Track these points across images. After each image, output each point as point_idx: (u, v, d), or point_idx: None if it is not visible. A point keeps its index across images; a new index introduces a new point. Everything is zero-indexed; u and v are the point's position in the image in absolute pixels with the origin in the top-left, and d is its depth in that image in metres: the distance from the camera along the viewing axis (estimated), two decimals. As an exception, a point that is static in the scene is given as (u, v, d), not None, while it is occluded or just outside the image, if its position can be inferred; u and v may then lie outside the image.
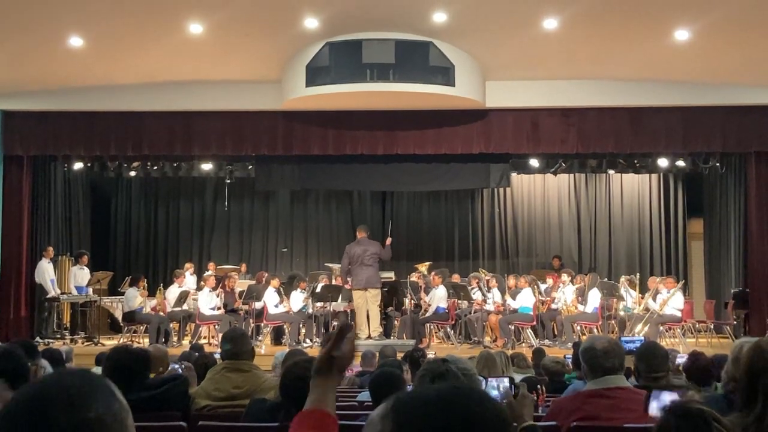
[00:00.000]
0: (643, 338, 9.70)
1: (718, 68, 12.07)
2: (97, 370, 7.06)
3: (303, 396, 3.54)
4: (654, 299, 12.58)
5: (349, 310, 13.11)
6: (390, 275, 13.37)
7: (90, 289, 14.04)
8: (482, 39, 11.57)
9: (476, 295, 13.13)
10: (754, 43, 11.02)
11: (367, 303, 12.24)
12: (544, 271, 14.92)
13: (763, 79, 12.33)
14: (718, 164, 14.54)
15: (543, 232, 17.32)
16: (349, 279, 12.64)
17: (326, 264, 15.39)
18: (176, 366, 6.25)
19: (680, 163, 14.84)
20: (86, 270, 14.18)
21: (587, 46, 11.56)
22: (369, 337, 12.04)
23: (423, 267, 14.55)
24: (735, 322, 13.46)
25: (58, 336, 13.41)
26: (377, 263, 12.35)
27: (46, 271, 13.36)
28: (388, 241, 12.66)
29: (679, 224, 16.93)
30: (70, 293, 13.79)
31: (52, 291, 13.37)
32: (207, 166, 15.45)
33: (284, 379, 3.65)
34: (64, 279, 14.22)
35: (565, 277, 13.32)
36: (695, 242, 16.69)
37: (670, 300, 12.36)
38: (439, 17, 10.93)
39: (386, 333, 12.75)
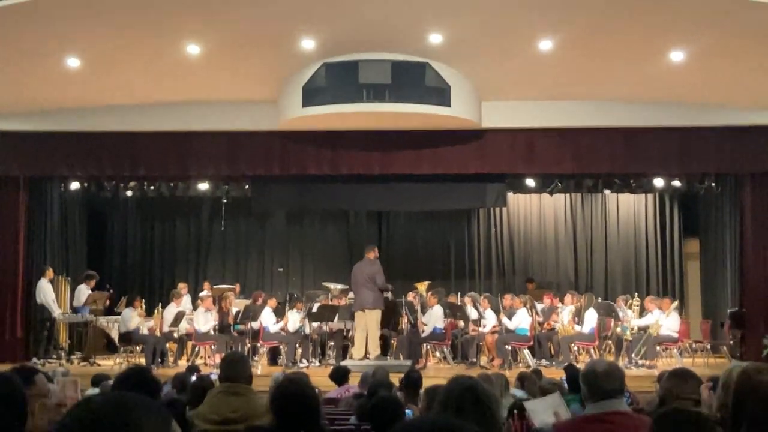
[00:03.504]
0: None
1: (714, 89, 12.12)
2: (93, 391, 7.04)
3: (299, 416, 3.50)
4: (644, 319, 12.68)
5: (345, 330, 13.09)
6: (386, 295, 13.34)
7: (88, 310, 13.98)
8: (478, 60, 11.62)
9: (473, 316, 13.10)
10: (749, 64, 11.07)
11: (366, 324, 12.22)
12: (541, 291, 14.90)
13: (758, 100, 12.39)
14: (713, 185, 14.58)
15: (539, 251, 17.28)
16: None
17: (323, 283, 15.35)
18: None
19: (676, 183, 14.86)
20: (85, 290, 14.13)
21: (582, 67, 11.61)
22: (366, 356, 12.01)
23: (422, 286, 14.49)
24: (731, 342, 13.45)
25: (54, 357, 13.34)
26: (374, 285, 12.33)
27: (47, 292, 13.33)
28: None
29: (675, 244, 16.93)
30: (68, 313, 13.75)
31: (56, 311, 13.32)
32: (203, 186, 15.44)
33: (278, 399, 3.51)
34: (61, 299, 14.17)
35: (567, 298, 13.37)
36: (691, 262, 16.69)
37: (666, 320, 12.37)
38: (435, 38, 10.98)
39: (384, 353, 12.72)
